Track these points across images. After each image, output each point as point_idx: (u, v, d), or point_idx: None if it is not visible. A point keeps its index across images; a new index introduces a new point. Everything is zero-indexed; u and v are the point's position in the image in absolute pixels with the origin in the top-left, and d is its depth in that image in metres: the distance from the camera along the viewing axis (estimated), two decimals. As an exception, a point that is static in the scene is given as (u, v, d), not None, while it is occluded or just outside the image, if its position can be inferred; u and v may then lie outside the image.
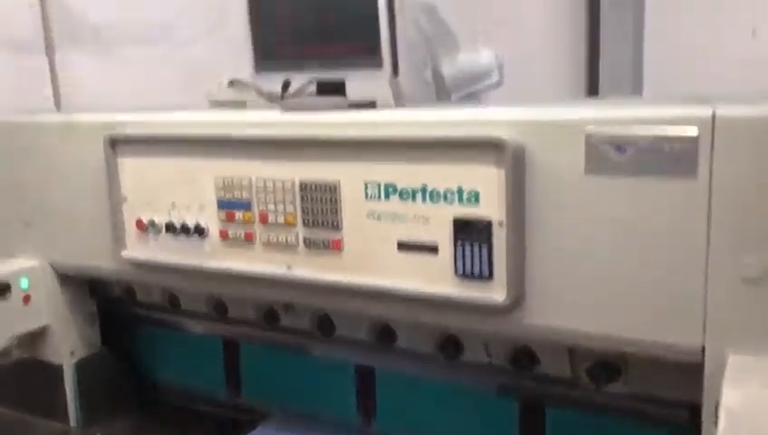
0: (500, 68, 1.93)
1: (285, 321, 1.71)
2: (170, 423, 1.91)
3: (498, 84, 1.95)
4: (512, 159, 1.15)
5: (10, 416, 1.92)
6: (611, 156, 1.10)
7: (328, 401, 1.79)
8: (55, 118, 1.74)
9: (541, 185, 1.16)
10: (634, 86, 3.83)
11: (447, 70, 1.95)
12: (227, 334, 1.88)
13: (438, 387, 1.62)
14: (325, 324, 1.66)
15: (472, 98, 1.93)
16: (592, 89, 3.66)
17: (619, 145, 1.09)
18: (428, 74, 1.98)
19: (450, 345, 1.51)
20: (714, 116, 1.03)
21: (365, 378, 1.73)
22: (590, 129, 1.11)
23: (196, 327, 1.93)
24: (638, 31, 3.75)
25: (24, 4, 2.62)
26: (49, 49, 2.69)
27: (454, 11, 2.10)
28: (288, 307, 1.69)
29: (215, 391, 1.96)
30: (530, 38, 3.37)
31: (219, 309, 1.80)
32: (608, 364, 1.36)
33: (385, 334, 1.59)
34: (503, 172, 1.16)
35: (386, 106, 1.46)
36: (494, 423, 1.58)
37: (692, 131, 1.04)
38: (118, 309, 1.98)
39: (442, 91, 1.96)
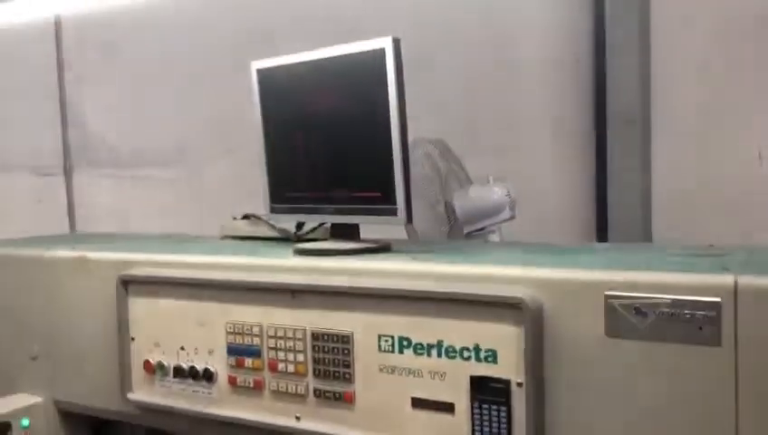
0: (512, 203, 1.96)
1: None
2: None
3: (510, 218, 1.97)
4: (530, 319, 1.13)
5: None
6: (632, 320, 1.08)
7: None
8: (69, 253, 1.74)
9: (561, 345, 1.14)
10: (644, 235, 3.83)
11: (459, 204, 1.98)
12: None
13: None
14: None
15: (484, 232, 1.95)
16: (601, 224, 3.67)
17: (640, 309, 1.07)
18: (441, 209, 2.00)
19: None
20: (736, 285, 1.02)
21: None
22: (610, 292, 1.09)
23: None
24: (645, 164, 3.83)
25: (46, 128, 2.71)
26: (67, 171, 2.75)
27: (466, 148, 2.16)
28: None
29: None
30: (539, 174, 3.44)
31: None
32: None
33: None
34: (521, 332, 1.14)
35: (401, 248, 1.46)
36: None
37: (714, 299, 1.02)
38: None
39: (454, 225, 1.97)
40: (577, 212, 3.57)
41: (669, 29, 3.67)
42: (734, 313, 1.02)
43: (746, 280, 1.02)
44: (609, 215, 3.67)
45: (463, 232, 1.94)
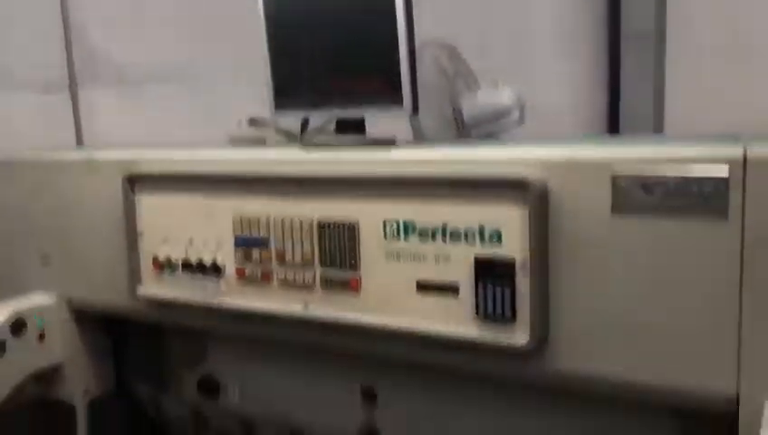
0: (521, 106, 1.92)
1: None
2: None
3: (519, 123, 1.94)
4: (536, 198, 1.12)
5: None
6: (638, 196, 1.07)
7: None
8: (74, 155, 1.75)
9: (565, 225, 1.13)
10: (655, 126, 3.82)
11: (467, 108, 1.94)
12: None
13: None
14: None
15: (492, 136, 1.92)
16: (613, 128, 3.64)
17: (647, 185, 1.06)
18: (448, 112, 1.97)
19: None
20: (745, 155, 1.00)
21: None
22: (617, 168, 1.08)
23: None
24: (659, 71, 3.75)
25: (49, 43, 2.67)
26: (72, 87, 2.72)
27: (474, 50, 2.10)
28: None
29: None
30: (550, 77, 3.39)
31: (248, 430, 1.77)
32: None
33: None
34: (526, 212, 1.14)
35: (406, 144, 1.45)
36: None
37: (722, 171, 1.01)
38: (135, 352, 1.96)
39: (462, 130, 1.94)
40: (589, 126, 3.52)
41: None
42: (742, 184, 1.01)
43: (757, 150, 1.00)
44: (620, 129, 3.61)
45: (470, 136, 1.91)
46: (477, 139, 1.86)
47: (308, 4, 1.49)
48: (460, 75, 2.03)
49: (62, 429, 1.82)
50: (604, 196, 1.10)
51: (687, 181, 1.03)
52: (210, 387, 1.82)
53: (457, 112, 1.95)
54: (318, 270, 1.37)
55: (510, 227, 1.16)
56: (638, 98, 3.75)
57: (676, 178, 1.04)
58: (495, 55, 3.12)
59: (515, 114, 1.93)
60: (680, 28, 3.64)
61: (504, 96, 1.93)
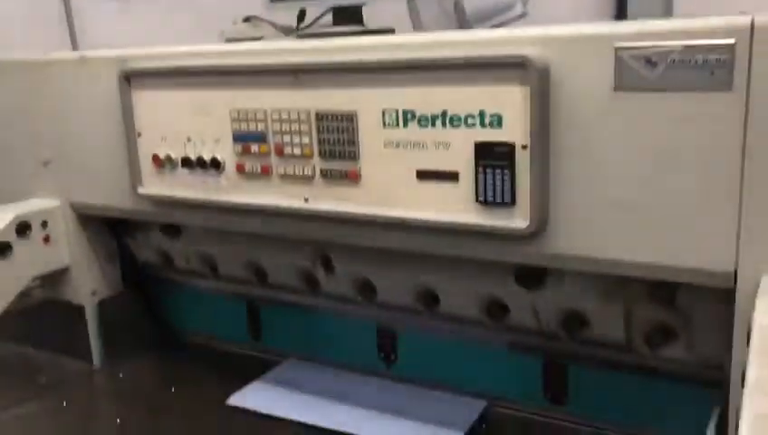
0: (524, 1, 1.86)
1: (324, 285, 1.69)
2: (190, 362, 1.92)
3: (522, 16, 1.88)
4: (537, 77, 1.10)
5: (35, 356, 1.94)
6: (642, 71, 1.05)
7: (348, 344, 1.78)
8: (69, 55, 1.71)
9: (566, 105, 1.11)
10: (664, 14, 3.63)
11: (469, 1, 1.88)
12: (253, 296, 1.87)
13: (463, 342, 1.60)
14: (366, 289, 1.63)
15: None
16: (620, 16, 3.48)
17: (650, 59, 1.03)
18: (449, 6, 1.91)
19: (496, 308, 1.48)
20: (752, 25, 0.97)
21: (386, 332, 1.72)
22: (620, 42, 1.05)
23: (226, 287, 1.92)
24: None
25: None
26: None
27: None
28: (328, 269, 1.66)
29: (235, 333, 1.96)
30: None
31: (259, 274, 1.79)
32: (665, 328, 1.32)
33: (427, 299, 1.56)
34: (527, 92, 1.11)
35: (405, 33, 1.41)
36: (519, 361, 1.56)
37: (728, 41, 0.98)
38: (139, 252, 1.98)
39: (463, 24, 1.89)
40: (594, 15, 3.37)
41: None
42: (748, 55, 0.98)
43: (764, 20, 0.97)
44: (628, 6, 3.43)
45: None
46: (479, 32, 1.81)
47: None
48: (462, -32, 1.96)
49: (73, 328, 1.86)
50: (606, 72, 1.07)
51: (693, 52, 1.00)
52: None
53: (459, 6, 1.89)
54: (317, 163, 1.36)
55: (510, 110, 1.14)
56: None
57: (680, 49, 1.01)
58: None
59: (518, 7, 1.87)
60: None
61: (506, -11, 1.87)
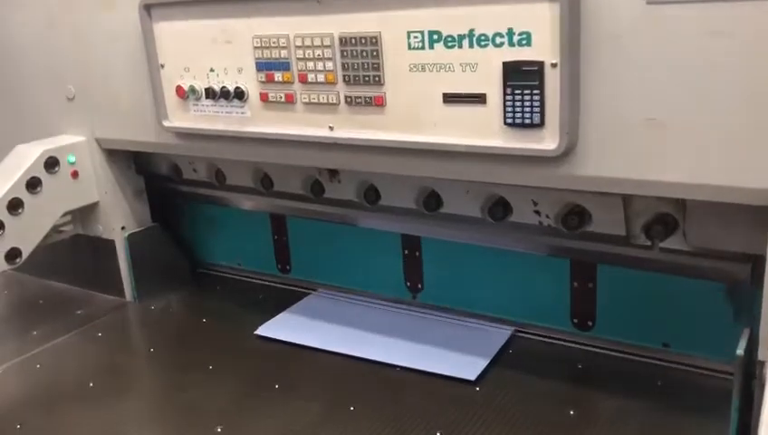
0: None
1: (331, 192, 1.70)
2: (220, 295, 1.95)
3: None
4: (567, -8, 1.06)
5: (68, 290, 1.99)
6: (677, -18, 1.00)
7: (375, 274, 1.79)
8: (89, -13, 1.69)
9: (597, 20, 1.07)
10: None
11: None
12: (274, 210, 1.89)
13: (486, 252, 1.60)
14: (370, 193, 1.64)
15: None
16: None
17: (688, -32, 0.99)
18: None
19: (498, 208, 1.48)
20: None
21: (411, 247, 1.72)
22: (655, -48, 1.01)
23: (243, 203, 1.94)
24: None
25: None
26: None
27: None
28: (333, 176, 1.66)
29: (263, 266, 1.99)
30: None
31: (265, 183, 1.79)
32: (664, 220, 1.31)
33: (431, 200, 1.55)
34: (556, 7, 1.08)
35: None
36: (545, 285, 1.56)
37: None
38: (166, 187, 2.00)
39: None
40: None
41: None
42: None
43: None
44: None
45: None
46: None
47: None
48: None
49: (105, 263, 1.90)
50: (640, -15, 1.03)
51: (733, -42, 0.95)
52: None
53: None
54: (342, 89, 1.34)
55: (540, 28, 1.10)
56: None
57: (719, -43, 0.96)
58: None
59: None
60: None
61: None
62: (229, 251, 2.05)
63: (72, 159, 1.77)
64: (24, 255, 1.69)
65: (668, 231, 1.31)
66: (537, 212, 1.43)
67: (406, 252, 1.73)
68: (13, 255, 1.67)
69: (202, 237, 2.07)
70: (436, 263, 1.70)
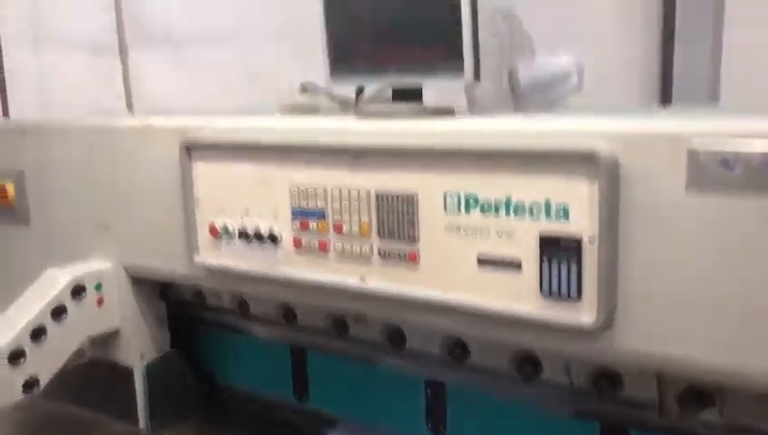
0: (580, 73, 1.85)
1: (355, 331, 1.68)
2: (237, 427, 1.91)
3: (578, 89, 1.87)
4: (606, 172, 1.08)
5: (81, 416, 1.95)
6: (717, 172, 1.02)
7: (397, 413, 1.75)
8: (132, 122, 1.75)
9: (636, 201, 1.09)
10: (709, 95, 3.64)
11: (524, 74, 1.88)
12: (296, 341, 1.87)
13: (513, 406, 1.56)
14: (396, 337, 1.62)
15: (549, 103, 1.86)
16: (665, 96, 3.50)
17: (727, 161, 1.01)
18: (504, 78, 1.91)
19: (528, 364, 1.45)
20: (837, 130, 0.94)
21: (436, 392, 1.68)
22: (695, 142, 1.03)
23: (265, 333, 1.92)
24: (716, 39, 3.56)
25: (100, 7, 2.68)
26: (122, 51, 2.74)
27: (529, 14, 2.03)
28: (359, 318, 1.65)
29: (282, 397, 1.95)
30: (601, 41, 3.25)
31: (288, 316, 1.78)
32: (699, 392, 1.28)
33: (457, 349, 1.53)
34: (595, 186, 1.10)
35: (463, 113, 1.41)
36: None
37: (811, 147, 0.96)
38: (187, 312, 1.99)
39: (518, 96, 1.89)
40: (641, 83, 3.38)
41: None
42: (831, 161, 0.95)
43: None
44: (674, 85, 3.45)
45: (527, 104, 1.86)
46: (535, 105, 1.81)
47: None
48: (516, 39, 1.97)
49: (121, 390, 1.87)
50: (679, 171, 1.05)
51: (773, 157, 0.98)
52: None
53: (514, 78, 1.90)
54: (376, 242, 1.36)
55: (578, 203, 1.13)
56: (692, 58, 3.57)
57: (761, 154, 0.99)
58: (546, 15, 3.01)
59: (574, 80, 1.86)
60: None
61: (562, 61, 1.87)
62: (247, 378, 2.01)
63: (99, 286, 1.77)
64: (42, 383, 1.67)
65: (703, 404, 1.28)
66: (568, 372, 1.41)
67: (428, 392, 1.70)
68: (31, 384, 1.64)
69: (220, 363, 2.05)
70: (460, 408, 1.66)
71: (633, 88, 3.39)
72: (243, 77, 2.80)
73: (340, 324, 1.70)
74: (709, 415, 1.28)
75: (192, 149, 1.57)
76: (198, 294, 1.94)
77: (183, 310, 1.99)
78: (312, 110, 1.82)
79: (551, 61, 1.85)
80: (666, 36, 3.56)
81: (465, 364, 1.54)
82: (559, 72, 1.82)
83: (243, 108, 2.08)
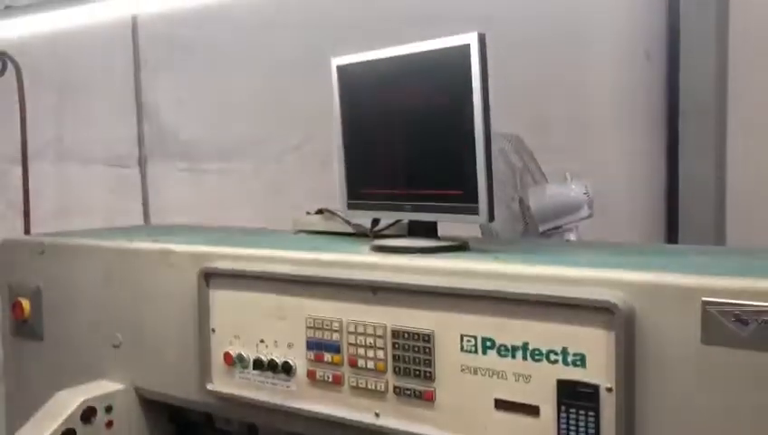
0: (590, 202, 1.91)
1: None
2: None
3: (588, 217, 1.92)
4: (623, 323, 1.10)
5: None
6: (731, 328, 1.04)
7: None
8: (153, 245, 1.79)
9: (652, 352, 1.10)
10: (716, 202, 3.71)
11: (535, 202, 1.94)
12: None
13: None
14: None
15: (560, 231, 1.91)
16: (672, 223, 3.57)
17: (741, 317, 1.03)
18: (515, 206, 1.97)
19: None
20: None
21: None
22: (708, 298, 1.06)
23: None
24: (720, 144, 3.68)
25: (123, 124, 2.78)
26: (142, 163, 2.82)
27: (537, 147, 2.11)
28: None
29: None
30: (609, 171, 3.36)
31: None
32: None
33: None
34: (612, 336, 1.11)
35: (477, 245, 1.44)
36: None
37: (824, 309, 0.98)
38: (195, 431, 1.96)
39: (530, 223, 1.94)
40: (647, 210, 3.48)
41: (748, 18, 3.53)
42: None
43: None
44: (680, 213, 3.55)
45: (538, 230, 1.91)
46: (545, 235, 1.85)
47: (385, 108, 1.52)
48: (526, 168, 2.04)
49: None
50: (693, 324, 1.07)
51: (787, 317, 1.00)
52: None
53: (525, 206, 1.95)
54: (391, 379, 1.36)
55: (595, 351, 1.14)
56: (697, 172, 3.67)
57: (774, 312, 1.01)
58: (554, 137, 3.12)
59: (584, 209, 1.92)
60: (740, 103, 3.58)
61: (573, 190, 1.93)
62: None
63: (110, 408, 1.76)
64: (47, 511, 1.63)
65: None
66: None
67: None
68: None
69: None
70: None
71: (641, 217, 3.47)
72: (259, 188, 2.88)
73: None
74: None
75: (210, 277, 1.60)
76: (207, 416, 1.91)
77: (192, 430, 1.96)
78: (326, 233, 1.86)
79: (561, 190, 1.91)
80: (671, 174, 3.65)
81: None
82: (568, 201, 1.88)
83: (261, 228, 2.13)
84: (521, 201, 1.94)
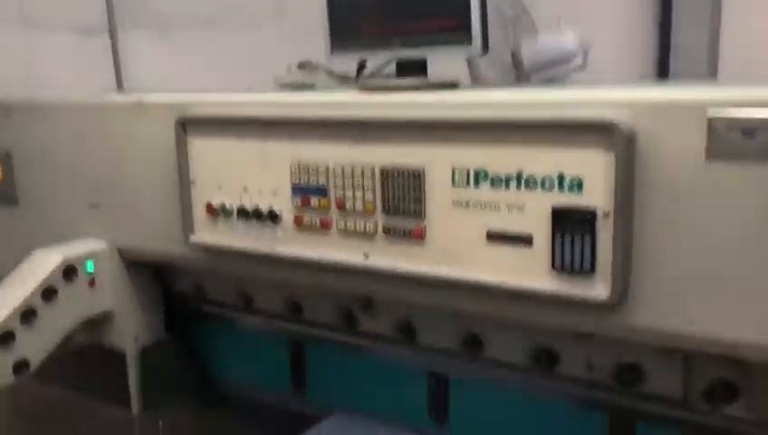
0: (584, 52, 1.82)
1: (364, 324, 1.64)
2: (231, 414, 1.86)
3: (581, 68, 1.84)
4: (623, 143, 1.05)
5: (73, 401, 1.90)
6: (737, 141, 0.99)
7: (397, 402, 1.71)
8: (124, 99, 1.70)
9: (653, 172, 1.06)
10: (709, 68, 3.61)
11: (527, 52, 1.85)
12: (298, 337, 1.81)
13: (521, 396, 1.52)
14: (407, 330, 1.57)
15: (552, 81, 1.83)
16: (662, 70, 3.47)
17: (748, 129, 0.98)
18: (507, 57, 1.88)
19: (545, 357, 1.40)
20: None
21: (439, 383, 1.64)
22: (714, 111, 1.00)
23: (265, 324, 1.86)
24: (715, 12, 3.54)
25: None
26: (112, 32, 2.67)
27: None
28: (366, 307, 1.60)
29: (278, 386, 1.90)
30: (596, 15, 3.23)
31: (293, 310, 1.73)
32: (726, 385, 1.24)
33: (471, 343, 1.49)
34: (611, 157, 1.07)
35: (467, 87, 1.37)
36: None
37: (837, 114, 0.93)
38: (185, 301, 1.94)
39: (521, 75, 1.86)
40: (639, 58, 3.35)
41: None
42: None
43: None
44: (671, 60, 3.43)
45: (530, 80, 1.83)
46: (539, 84, 1.78)
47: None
48: (517, 17, 1.94)
49: (113, 375, 1.82)
50: (698, 140, 1.02)
51: (797, 125, 0.95)
52: None
53: (517, 57, 1.86)
54: (380, 218, 1.32)
55: (593, 175, 1.09)
56: (690, 36, 3.55)
57: (783, 121, 0.96)
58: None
59: (578, 59, 1.83)
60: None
61: (566, 40, 1.83)
62: (244, 369, 1.96)
63: (92, 267, 1.72)
64: (33, 366, 1.61)
65: (730, 397, 1.24)
66: (589, 366, 1.37)
67: (433, 381, 1.65)
68: (21, 366, 1.59)
69: (217, 353, 2.00)
70: (465, 400, 1.62)
71: (627, 61, 3.36)
72: (238, 58, 2.75)
73: (347, 317, 1.65)
74: (735, 410, 1.24)
75: (187, 125, 1.52)
76: (197, 285, 1.88)
77: (181, 300, 1.93)
78: (309, 87, 1.77)
79: (554, 40, 1.82)
80: (664, 9, 3.51)
81: (478, 357, 1.49)
82: (562, 52, 1.79)
83: (239, 87, 2.03)
84: (513, 52, 1.85)
